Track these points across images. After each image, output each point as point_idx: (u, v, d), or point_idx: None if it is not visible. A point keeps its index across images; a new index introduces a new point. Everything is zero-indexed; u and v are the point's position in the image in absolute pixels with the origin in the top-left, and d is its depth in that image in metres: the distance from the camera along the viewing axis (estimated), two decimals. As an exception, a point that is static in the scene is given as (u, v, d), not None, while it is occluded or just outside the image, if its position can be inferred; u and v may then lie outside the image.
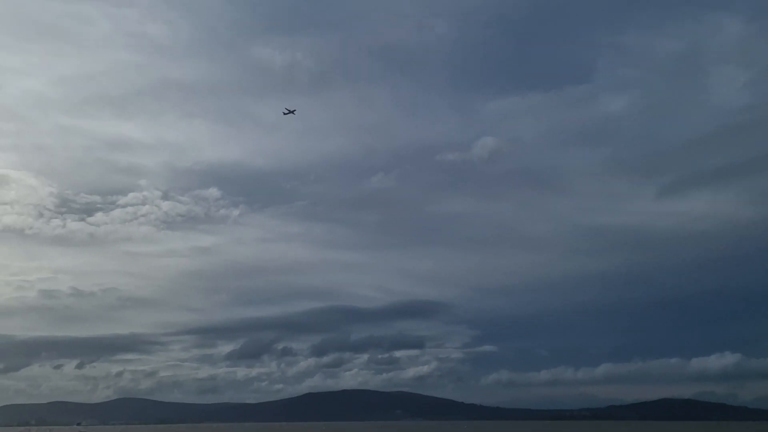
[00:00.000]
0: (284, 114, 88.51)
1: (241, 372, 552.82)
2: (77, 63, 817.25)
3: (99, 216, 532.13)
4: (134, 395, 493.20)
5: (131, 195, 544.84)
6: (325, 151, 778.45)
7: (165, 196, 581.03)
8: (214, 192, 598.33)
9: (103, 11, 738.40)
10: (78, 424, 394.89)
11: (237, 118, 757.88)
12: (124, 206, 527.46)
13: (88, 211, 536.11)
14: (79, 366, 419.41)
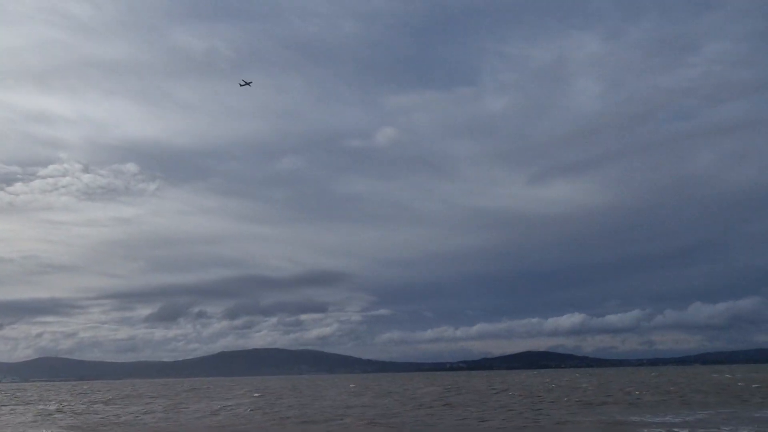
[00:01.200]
0: (240, 85, 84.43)
1: (159, 333, 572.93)
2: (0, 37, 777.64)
3: (18, 186, 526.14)
4: (54, 355, 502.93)
5: (51, 167, 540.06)
6: (240, 133, 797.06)
7: (85, 169, 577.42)
8: (132, 167, 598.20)
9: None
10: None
11: (157, 98, 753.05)
12: (44, 177, 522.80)
13: (7, 180, 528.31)
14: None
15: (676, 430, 24.71)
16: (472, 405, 48.15)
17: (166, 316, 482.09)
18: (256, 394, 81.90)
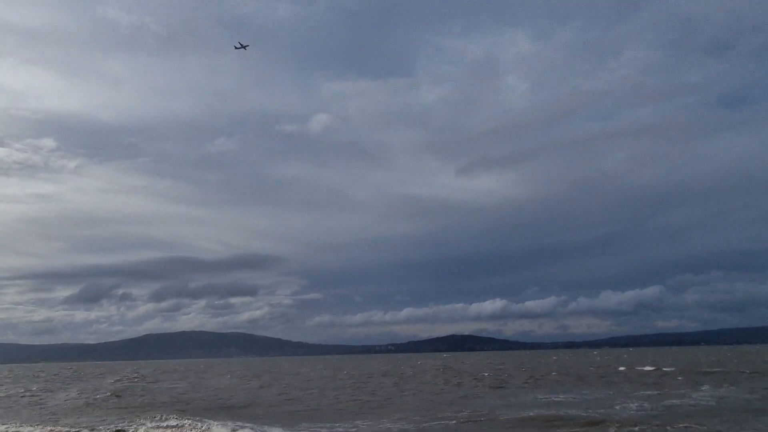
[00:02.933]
0: (236, 48, 75.32)
1: (80, 315, 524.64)
2: None
3: None
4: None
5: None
6: (169, 111, 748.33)
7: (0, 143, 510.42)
8: (49, 142, 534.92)
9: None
10: None
11: (81, 70, 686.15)
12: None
13: None
14: None
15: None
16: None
17: (88, 298, 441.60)
18: (135, 377, 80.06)
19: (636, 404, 26.46)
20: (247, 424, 21.05)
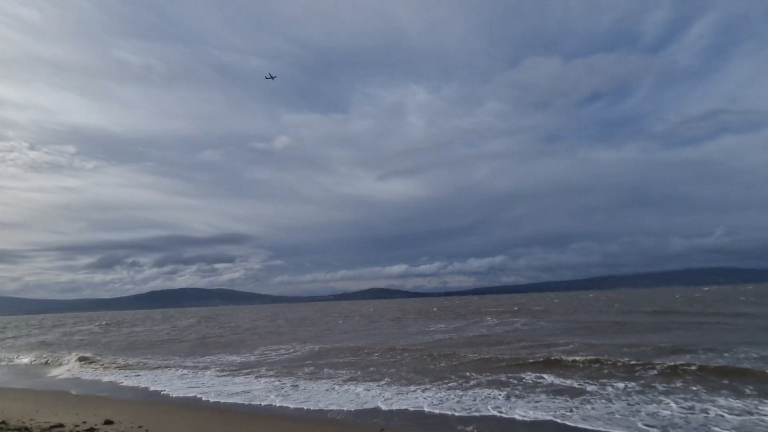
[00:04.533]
0: (266, 78, 74.09)
1: (98, 277, 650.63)
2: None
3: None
4: (2, 294, 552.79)
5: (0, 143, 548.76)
6: (170, 128, 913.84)
7: (31, 147, 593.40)
8: (70, 148, 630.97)
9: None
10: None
11: (100, 95, 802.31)
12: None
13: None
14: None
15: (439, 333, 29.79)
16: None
17: (105, 264, 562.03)
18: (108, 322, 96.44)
19: (478, 330, 29.67)
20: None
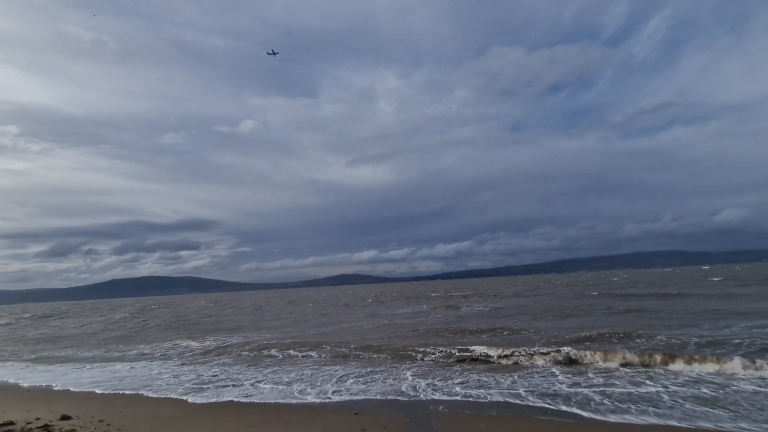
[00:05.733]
0: (268, 54, 71.49)
1: (51, 266, 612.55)
2: None
3: None
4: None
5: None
6: (127, 110, 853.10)
7: None
8: (13, 129, 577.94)
9: None
10: None
11: (47, 70, 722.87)
12: None
13: None
14: None
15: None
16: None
17: (58, 253, 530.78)
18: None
19: (440, 315, 31.21)
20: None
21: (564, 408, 9.27)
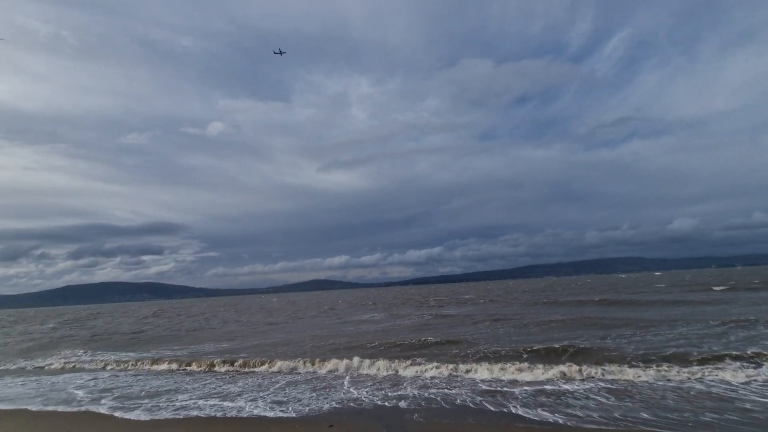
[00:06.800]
0: (275, 53, 70.62)
1: None
2: None
3: None
4: None
5: None
6: (88, 107, 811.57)
7: None
8: None
9: None
10: None
11: (1, 64, 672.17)
12: None
13: None
14: None
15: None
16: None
17: (6, 257, 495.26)
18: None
19: (411, 319, 31.53)
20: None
21: None
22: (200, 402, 11.78)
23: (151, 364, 19.19)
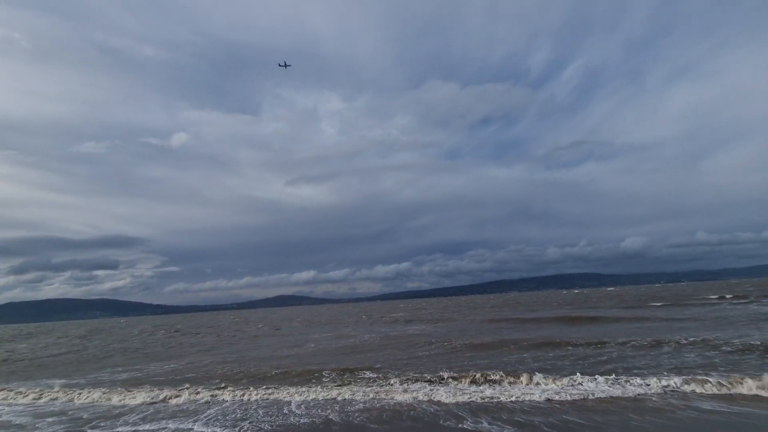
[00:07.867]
0: (279, 66, 71.29)
1: None
2: None
3: None
4: None
5: None
6: (39, 113, 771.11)
7: None
8: None
9: None
10: None
11: None
12: None
13: None
14: None
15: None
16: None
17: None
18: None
19: (352, 339, 29.84)
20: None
21: None
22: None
23: None
